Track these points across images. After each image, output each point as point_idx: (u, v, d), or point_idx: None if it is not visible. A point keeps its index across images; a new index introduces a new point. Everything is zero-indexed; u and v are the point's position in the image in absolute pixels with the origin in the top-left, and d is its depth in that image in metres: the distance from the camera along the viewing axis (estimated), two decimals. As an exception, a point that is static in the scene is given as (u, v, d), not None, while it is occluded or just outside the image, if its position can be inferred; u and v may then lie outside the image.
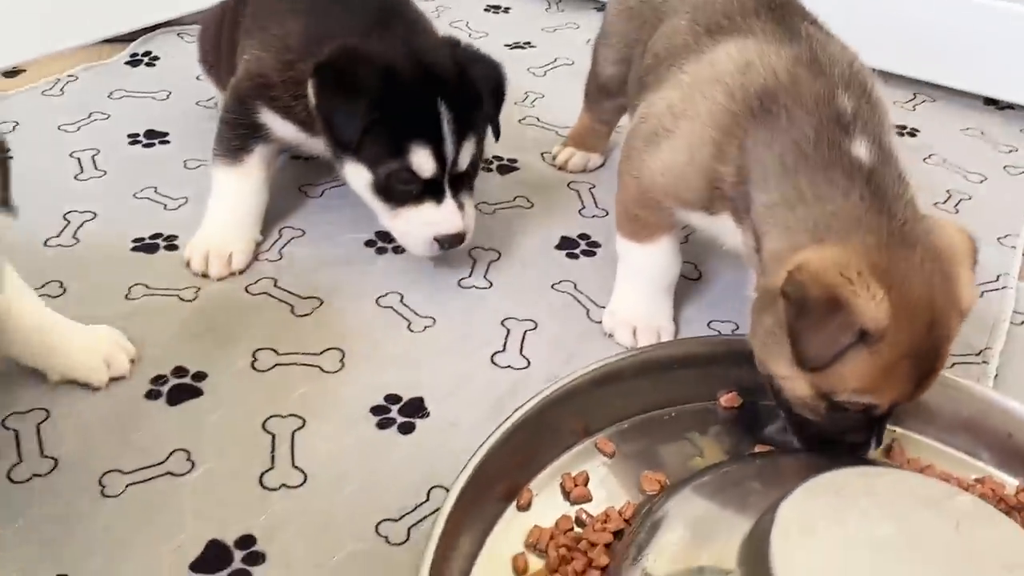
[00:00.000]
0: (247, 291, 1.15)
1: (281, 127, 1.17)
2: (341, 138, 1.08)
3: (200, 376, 1.01)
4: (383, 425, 0.97)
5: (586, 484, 0.90)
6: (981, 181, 1.52)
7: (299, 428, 0.96)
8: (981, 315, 1.18)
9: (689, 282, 1.22)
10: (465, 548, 0.81)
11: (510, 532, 0.85)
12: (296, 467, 0.91)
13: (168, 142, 1.47)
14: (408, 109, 1.06)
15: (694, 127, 0.95)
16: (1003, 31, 1.65)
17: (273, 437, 0.94)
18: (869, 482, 0.73)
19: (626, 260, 1.11)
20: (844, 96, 0.90)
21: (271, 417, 0.97)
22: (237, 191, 1.20)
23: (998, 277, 1.26)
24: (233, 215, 1.20)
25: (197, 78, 1.66)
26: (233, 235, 1.18)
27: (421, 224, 1.10)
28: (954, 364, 1.08)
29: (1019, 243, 1.35)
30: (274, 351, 1.05)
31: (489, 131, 1.17)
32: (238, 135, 1.18)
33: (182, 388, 1.00)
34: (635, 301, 1.12)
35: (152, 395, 0.98)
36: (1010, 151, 1.62)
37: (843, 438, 0.86)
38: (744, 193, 0.91)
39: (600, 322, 1.13)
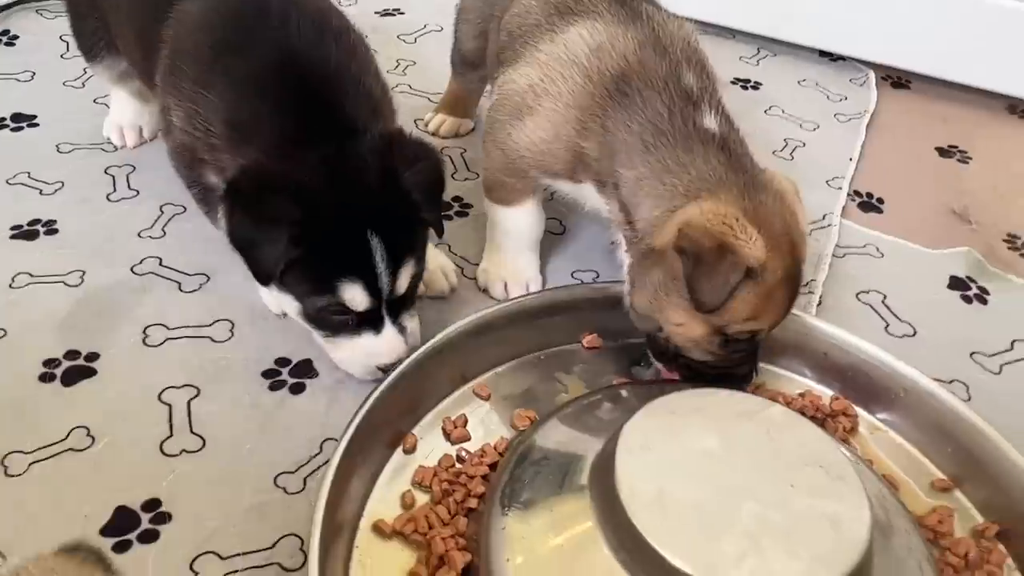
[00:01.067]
0: (133, 272, 1.19)
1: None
2: (259, 273, 0.96)
3: (93, 356, 1.06)
4: (275, 387, 1.04)
5: (465, 425, 1.00)
6: (814, 129, 1.68)
7: (194, 397, 1.02)
8: (810, 251, 1.33)
9: (554, 236, 1.33)
10: (357, 491, 0.91)
11: (398, 474, 0.95)
12: (194, 433, 0.98)
13: (37, 125, 1.46)
14: (334, 241, 0.94)
15: (557, 106, 1.04)
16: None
17: (170, 407, 1.00)
18: (698, 402, 0.87)
19: (495, 221, 1.21)
20: (688, 74, 1.02)
21: (166, 389, 1.02)
22: None
23: (824, 216, 1.42)
24: None
25: (61, 56, 1.65)
26: None
27: (362, 355, 1.01)
28: (785, 296, 1.24)
29: (844, 184, 1.51)
30: (164, 326, 1.10)
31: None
32: (212, 200, 1.10)
33: (76, 369, 1.04)
34: (505, 258, 1.22)
35: (46, 378, 1.02)
36: (840, 100, 1.79)
37: (731, 372, 0.99)
38: (610, 170, 1.01)
39: (474, 278, 1.23)
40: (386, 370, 0.99)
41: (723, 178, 0.94)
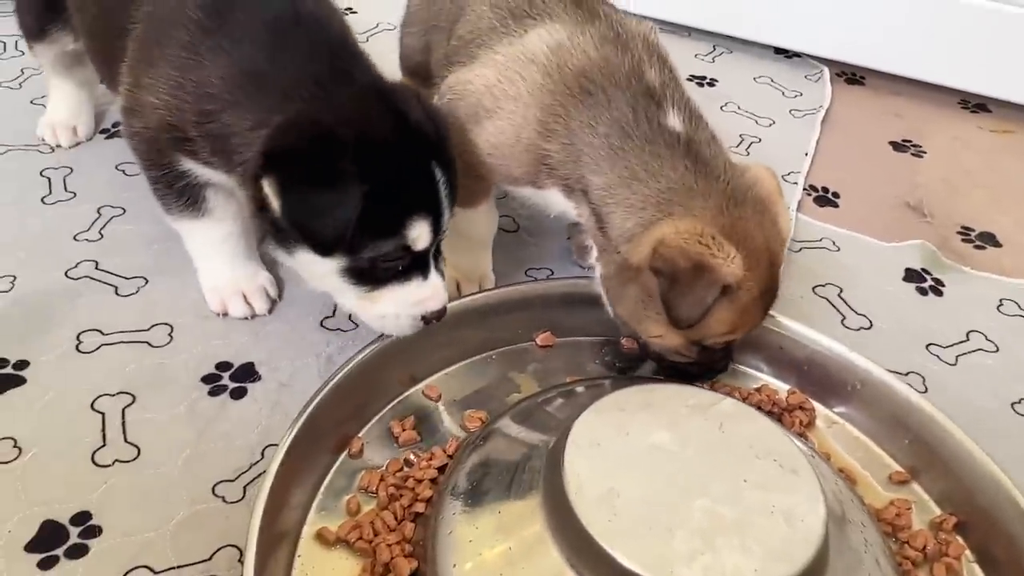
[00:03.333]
0: (67, 275, 1.14)
1: (207, 174, 1.01)
2: (324, 243, 0.88)
3: (22, 364, 1.01)
4: (215, 392, 1.00)
5: (414, 428, 0.97)
6: (770, 125, 1.68)
7: (129, 404, 0.97)
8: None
9: (507, 234, 1.30)
10: (300, 498, 0.87)
11: (343, 480, 0.91)
12: (129, 442, 0.93)
13: (-33, 127, 1.41)
14: (403, 181, 0.88)
15: (517, 108, 1.00)
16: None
17: (103, 416, 0.96)
18: (647, 397, 0.84)
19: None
20: (650, 70, 0.99)
21: (100, 396, 0.98)
22: (220, 239, 1.09)
23: (781, 211, 1.41)
24: (231, 261, 1.11)
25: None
26: (242, 274, 1.12)
27: (408, 304, 0.93)
28: (741, 290, 1.22)
29: (800, 179, 1.51)
30: (99, 332, 1.06)
31: None
32: (178, 189, 1.03)
33: (2, 378, 0.99)
34: (458, 257, 1.18)
35: (-28, 387, 0.98)
36: (795, 96, 1.79)
37: (709, 367, 1.00)
38: (577, 174, 0.98)
39: (425, 278, 1.20)
40: (428, 321, 0.95)
41: (694, 188, 0.91)
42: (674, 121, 0.96)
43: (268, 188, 0.86)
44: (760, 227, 0.92)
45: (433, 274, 0.94)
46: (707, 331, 0.92)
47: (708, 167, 0.93)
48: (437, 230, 0.92)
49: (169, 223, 1.08)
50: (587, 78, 0.97)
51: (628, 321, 0.99)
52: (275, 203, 0.86)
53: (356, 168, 0.83)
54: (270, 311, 1.12)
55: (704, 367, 1.00)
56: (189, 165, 1.00)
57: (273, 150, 0.86)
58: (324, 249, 0.88)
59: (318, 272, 0.93)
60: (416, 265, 0.93)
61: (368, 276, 0.92)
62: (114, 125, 1.44)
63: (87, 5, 1.14)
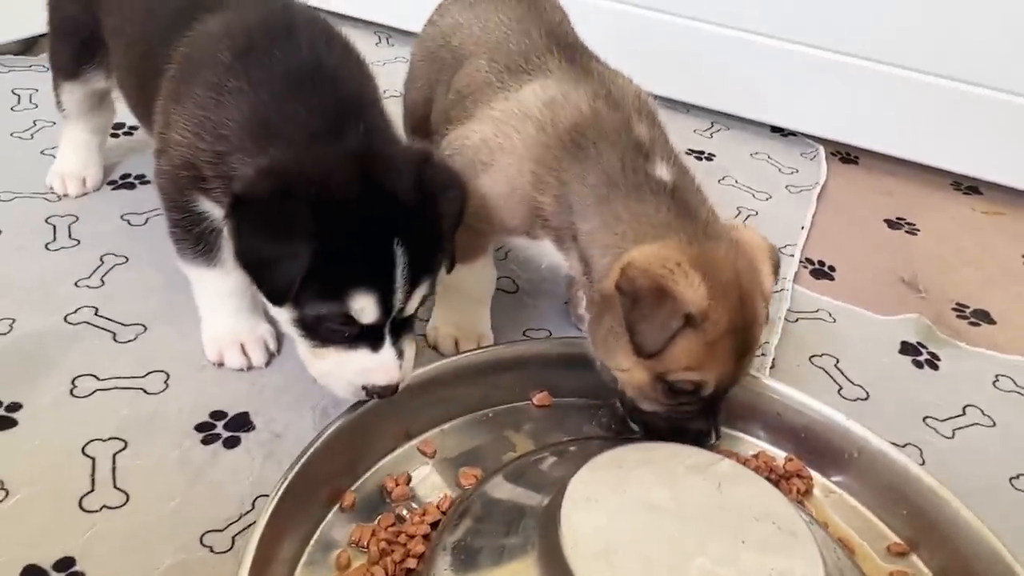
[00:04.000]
0: (66, 321, 1.14)
1: (221, 215, 1.01)
2: (270, 292, 0.88)
3: (14, 407, 1.00)
4: (208, 441, 0.99)
5: (408, 483, 0.95)
6: (767, 199, 1.71)
7: (120, 450, 0.96)
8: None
9: (507, 295, 1.31)
10: (289, 551, 0.85)
11: (334, 533, 0.89)
12: (118, 488, 0.92)
13: (-21, 174, 1.43)
14: (355, 249, 0.86)
15: (511, 160, 1.03)
16: (787, 68, 1.87)
17: (93, 460, 0.95)
18: (645, 455, 0.84)
19: (446, 278, 1.18)
20: (639, 125, 1.02)
21: (91, 441, 0.97)
22: (230, 291, 1.10)
23: (778, 281, 1.42)
24: (235, 313, 1.11)
25: (12, 109, 1.63)
26: (244, 327, 1.12)
27: (351, 371, 0.92)
28: (738, 357, 1.22)
29: (796, 252, 1.53)
30: (95, 377, 1.05)
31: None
32: (196, 234, 1.04)
33: (-5, 419, 0.98)
34: (456, 315, 1.19)
35: (-38, 428, 0.96)
36: (792, 172, 1.83)
37: (687, 427, 0.95)
38: (568, 223, 1.00)
39: (424, 335, 1.20)
40: (375, 395, 0.92)
41: (671, 224, 0.93)
42: (661, 171, 0.98)
43: (228, 230, 0.88)
44: (732, 264, 0.91)
45: (386, 349, 0.91)
46: (671, 363, 0.90)
47: (689, 208, 0.95)
48: (387, 306, 0.89)
49: (182, 268, 1.09)
50: (579, 132, 1.00)
51: (602, 357, 0.98)
52: (232, 242, 0.88)
53: (314, 227, 0.83)
54: (267, 364, 1.12)
55: (678, 425, 0.95)
56: (207, 207, 1.01)
57: (238, 195, 0.87)
58: (272, 298, 0.89)
59: (276, 315, 0.95)
60: (367, 335, 0.91)
61: (317, 333, 0.92)
62: (122, 177, 1.47)
63: (132, 46, 1.17)
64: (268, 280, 0.87)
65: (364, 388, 0.92)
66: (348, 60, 1.03)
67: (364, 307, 0.88)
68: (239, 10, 1.05)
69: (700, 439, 0.96)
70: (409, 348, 0.95)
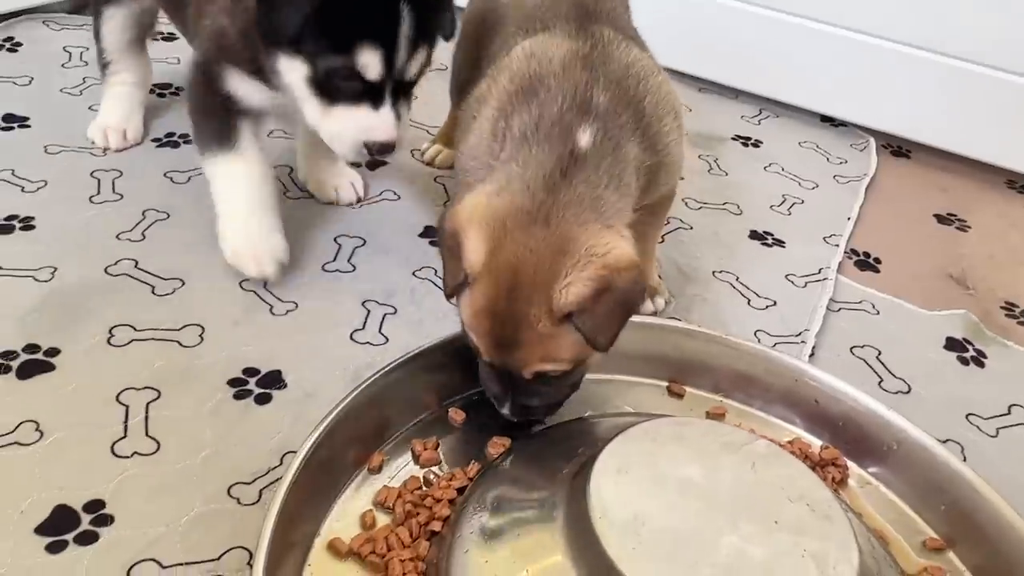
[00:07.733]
0: (107, 272, 1.15)
1: (248, 91, 1.09)
2: (280, 28, 0.96)
3: (53, 352, 1.01)
4: (240, 396, 0.99)
5: (436, 449, 0.95)
6: (813, 188, 1.67)
7: (154, 400, 0.97)
8: (804, 302, 1.31)
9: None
10: (314, 507, 0.85)
11: (360, 493, 0.89)
12: (150, 436, 0.92)
13: (28, 126, 1.44)
14: (364, 4, 0.95)
15: (486, 110, 0.99)
16: (839, 56, 1.83)
17: (127, 408, 0.95)
18: (679, 430, 0.82)
19: None
20: (602, 92, 0.94)
21: (126, 390, 0.97)
22: (246, 178, 1.13)
23: (820, 270, 1.39)
24: (253, 211, 1.14)
25: (63, 66, 1.65)
26: (260, 234, 1.14)
27: (354, 127, 1.01)
28: (776, 344, 1.20)
29: (841, 242, 1.49)
30: (132, 327, 1.06)
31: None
32: (216, 115, 1.10)
33: (33, 363, 0.99)
34: None
35: (1, 369, 0.97)
36: (840, 163, 1.79)
37: (489, 386, 0.93)
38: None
39: (458, 305, 1.19)
40: (372, 151, 1.02)
41: (529, 187, 0.86)
42: (583, 137, 0.90)
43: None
44: (527, 257, 0.82)
45: (386, 108, 1.01)
46: (461, 311, 0.89)
47: (564, 185, 0.86)
48: (390, 65, 0.98)
49: (203, 165, 1.15)
50: (538, 80, 0.95)
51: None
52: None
53: None
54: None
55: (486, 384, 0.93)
56: (235, 84, 1.08)
57: None
58: (281, 37, 0.97)
59: (293, 78, 1.01)
60: (370, 93, 1.00)
61: (326, 91, 1.00)
62: (167, 135, 1.48)
63: None
64: (277, 15, 0.95)
65: (366, 146, 1.02)
66: None
67: (369, 62, 0.97)
68: None
69: (498, 405, 0.93)
70: (406, 114, 1.06)
